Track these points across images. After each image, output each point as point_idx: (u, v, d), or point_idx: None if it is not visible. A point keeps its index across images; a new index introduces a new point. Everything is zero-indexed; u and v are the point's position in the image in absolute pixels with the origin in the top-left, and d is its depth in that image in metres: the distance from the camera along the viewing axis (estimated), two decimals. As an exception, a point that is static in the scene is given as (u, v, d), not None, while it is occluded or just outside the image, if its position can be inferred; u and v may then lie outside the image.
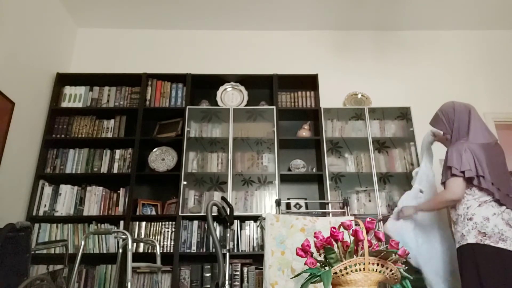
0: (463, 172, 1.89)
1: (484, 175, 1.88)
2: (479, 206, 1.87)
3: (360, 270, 1.19)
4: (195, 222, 2.98)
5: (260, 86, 3.57)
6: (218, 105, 3.38)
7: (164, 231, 2.95)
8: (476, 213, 1.85)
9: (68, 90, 3.37)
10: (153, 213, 3.11)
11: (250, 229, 2.97)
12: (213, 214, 2.72)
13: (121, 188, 3.11)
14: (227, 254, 2.64)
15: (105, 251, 2.91)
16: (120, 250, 2.47)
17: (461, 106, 2.11)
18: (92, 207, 3.03)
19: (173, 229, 2.94)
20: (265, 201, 3.15)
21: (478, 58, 3.87)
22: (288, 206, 3.17)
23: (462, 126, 2.05)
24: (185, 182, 3.04)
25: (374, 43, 3.93)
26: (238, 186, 3.23)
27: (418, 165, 3.18)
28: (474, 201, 1.90)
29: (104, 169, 3.14)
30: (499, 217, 1.84)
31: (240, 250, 2.90)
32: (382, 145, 3.33)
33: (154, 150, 3.23)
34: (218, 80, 3.46)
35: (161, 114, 3.39)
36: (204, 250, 2.90)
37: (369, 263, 1.19)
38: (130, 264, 2.06)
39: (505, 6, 3.66)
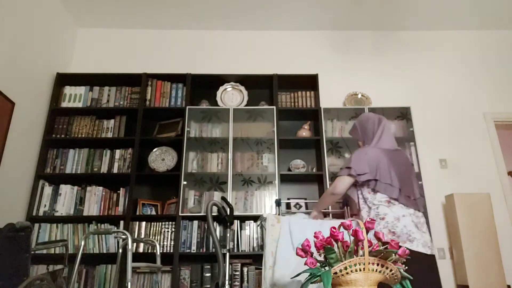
0: (358, 175, 2.00)
1: (380, 178, 1.97)
2: (389, 207, 1.93)
3: (360, 270, 1.18)
4: (195, 222, 2.98)
5: (260, 86, 3.57)
6: (218, 105, 3.38)
7: (164, 231, 2.95)
8: (388, 213, 1.91)
9: (68, 90, 3.37)
10: (153, 213, 3.11)
11: (250, 229, 2.97)
12: (213, 214, 2.72)
13: (121, 188, 3.11)
14: (227, 254, 2.64)
15: (105, 251, 2.91)
16: (120, 250, 2.47)
17: (374, 117, 2.26)
18: (92, 207, 3.03)
19: (173, 229, 2.94)
20: (265, 201, 3.15)
21: (478, 58, 3.87)
22: (288, 206, 3.17)
23: (370, 133, 2.20)
24: (185, 182, 3.04)
25: (374, 43, 3.93)
26: (238, 186, 3.23)
27: (418, 165, 3.18)
28: (380, 203, 1.96)
29: (104, 169, 3.14)
30: (409, 218, 1.89)
31: (240, 250, 2.90)
32: (382, 145, 3.33)
33: (154, 150, 3.23)
34: (218, 80, 3.46)
35: (161, 114, 3.39)
36: (204, 250, 2.90)
37: (369, 263, 1.19)
38: (130, 264, 2.06)
39: (505, 6, 3.66)
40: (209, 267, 2.85)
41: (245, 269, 2.85)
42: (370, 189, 2.02)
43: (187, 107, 3.25)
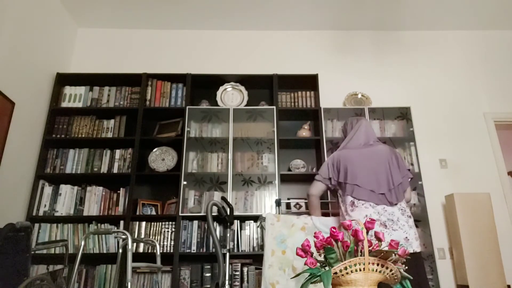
0: (324, 179, 2.14)
1: (345, 180, 2.02)
2: (353, 211, 1.95)
3: (360, 270, 1.18)
4: (195, 222, 2.98)
5: (260, 86, 3.57)
6: (218, 105, 3.38)
7: (164, 231, 2.95)
8: (351, 217, 1.94)
9: (68, 90, 3.37)
10: (153, 213, 3.11)
11: (250, 229, 2.97)
12: (213, 214, 2.72)
13: (121, 188, 3.11)
14: (227, 254, 2.64)
15: (105, 251, 2.91)
16: (120, 250, 2.47)
17: (353, 119, 2.31)
18: (92, 207, 3.03)
19: (173, 229, 2.94)
20: (265, 201, 3.15)
21: (478, 58, 3.87)
22: (288, 206, 3.17)
23: (346, 136, 2.28)
24: (185, 182, 3.04)
25: (374, 43, 3.93)
26: (238, 186, 3.23)
27: (418, 165, 3.18)
28: (347, 206, 2.00)
29: (104, 169, 3.14)
30: (373, 217, 1.88)
31: (240, 250, 2.90)
32: (382, 145, 3.33)
33: (154, 150, 3.23)
34: (218, 80, 3.46)
35: (161, 114, 3.39)
36: (204, 250, 2.90)
37: (369, 263, 1.19)
38: (130, 264, 2.06)
39: (505, 6, 3.66)
40: (209, 267, 2.85)
41: (245, 269, 2.85)
42: (341, 193, 2.08)
43: (187, 107, 3.25)
